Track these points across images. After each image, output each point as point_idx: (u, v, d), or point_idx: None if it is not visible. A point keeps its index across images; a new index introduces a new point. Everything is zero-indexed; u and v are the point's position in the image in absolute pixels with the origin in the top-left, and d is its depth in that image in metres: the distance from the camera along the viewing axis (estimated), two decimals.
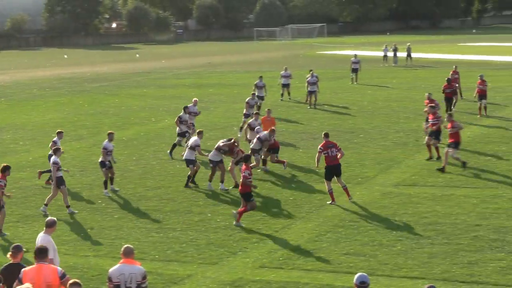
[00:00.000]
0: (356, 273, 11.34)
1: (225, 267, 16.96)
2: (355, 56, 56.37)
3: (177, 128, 29.95)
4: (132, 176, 26.39)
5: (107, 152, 23.86)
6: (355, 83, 53.95)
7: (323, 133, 22.96)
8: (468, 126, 32.62)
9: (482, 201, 21.39)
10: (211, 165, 24.23)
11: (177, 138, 29.85)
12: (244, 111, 33.94)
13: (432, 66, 68.64)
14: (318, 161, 22.19)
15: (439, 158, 26.36)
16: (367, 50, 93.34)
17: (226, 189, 23.91)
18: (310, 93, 42.43)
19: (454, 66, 43.23)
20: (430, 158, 26.80)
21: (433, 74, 60.98)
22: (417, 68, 66.80)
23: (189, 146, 24.72)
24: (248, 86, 55.63)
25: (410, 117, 37.18)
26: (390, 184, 23.94)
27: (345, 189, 21.97)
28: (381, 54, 72.51)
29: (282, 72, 45.85)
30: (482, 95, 36.62)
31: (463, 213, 20.28)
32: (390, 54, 70.83)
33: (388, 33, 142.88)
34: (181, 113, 30.13)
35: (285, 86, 45.54)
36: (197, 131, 25.91)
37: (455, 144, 25.26)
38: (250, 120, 29.48)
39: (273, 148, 26.39)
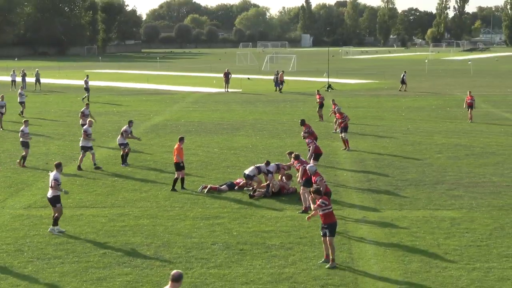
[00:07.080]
0: None
1: None
2: None
3: None
4: None
5: None
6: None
7: None
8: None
9: (110, 219, 22.42)
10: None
11: None
12: None
13: (60, 91, 69.33)
14: None
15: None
16: None
17: None
18: None
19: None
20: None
21: (61, 99, 61.80)
22: (46, 93, 66.98)
23: None
24: None
25: (40, 140, 37.31)
26: (20, 207, 23.96)
27: None
28: (10, 79, 71.68)
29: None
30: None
31: (92, 231, 21.10)
32: (19, 79, 70.21)
33: (16, 59, 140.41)
34: None
35: None
36: None
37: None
38: None
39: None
